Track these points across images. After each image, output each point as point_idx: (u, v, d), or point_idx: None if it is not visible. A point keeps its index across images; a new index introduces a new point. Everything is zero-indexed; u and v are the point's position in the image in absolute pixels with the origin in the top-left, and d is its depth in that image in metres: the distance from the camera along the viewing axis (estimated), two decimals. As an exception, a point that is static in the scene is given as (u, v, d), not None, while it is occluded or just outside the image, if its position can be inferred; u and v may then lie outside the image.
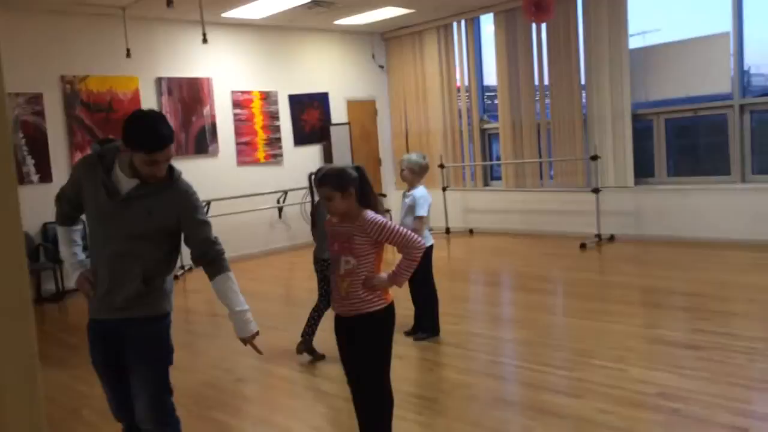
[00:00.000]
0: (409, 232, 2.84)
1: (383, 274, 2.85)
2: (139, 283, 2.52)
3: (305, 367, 4.51)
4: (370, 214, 2.81)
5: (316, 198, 4.49)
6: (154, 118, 2.49)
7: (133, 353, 2.58)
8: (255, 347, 2.71)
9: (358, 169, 2.85)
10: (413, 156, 4.75)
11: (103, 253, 2.56)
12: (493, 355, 4.54)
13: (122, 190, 2.51)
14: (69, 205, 2.66)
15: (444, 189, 9.69)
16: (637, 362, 4.05)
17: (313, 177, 4.47)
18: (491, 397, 3.79)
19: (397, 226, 2.83)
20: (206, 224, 2.66)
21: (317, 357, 4.56)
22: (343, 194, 2.78)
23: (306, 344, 4.61)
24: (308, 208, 9.37)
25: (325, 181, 2.81)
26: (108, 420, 3.84)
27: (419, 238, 2.85)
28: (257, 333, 2.73)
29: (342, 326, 2.93)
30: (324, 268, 4.46)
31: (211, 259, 2.66)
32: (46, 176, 7.36)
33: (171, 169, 2.58)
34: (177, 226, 2.60)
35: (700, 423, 3.20)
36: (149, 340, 2.59)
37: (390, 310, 2.88)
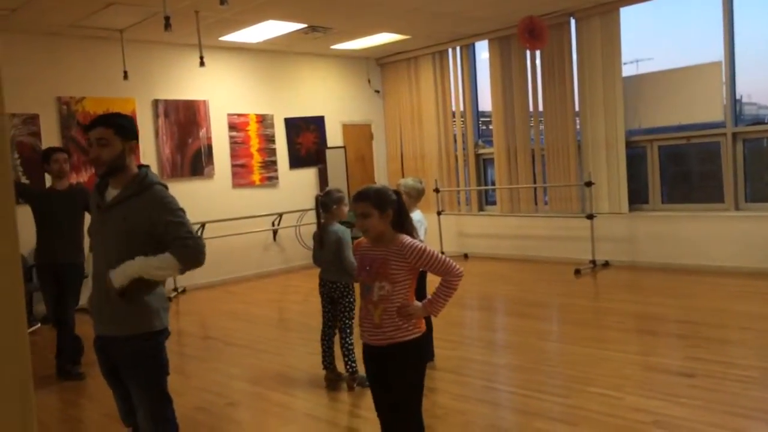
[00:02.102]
0: (449, 259, 2.76)
1: (418, 303, 2.76)
2: (115, 296, 2.54)
3: (298, 392, 4.47)
4: (407, 238, 2.73)
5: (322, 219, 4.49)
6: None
7: (124, 370, 2.64)
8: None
9: (396, 193, 2.81)
10: (410, 180, 4.74)
11: (94, 269, 2.68)
12: (488, 381, 4.51)
13: (107, 200, 2.65)
14: None
15: (439, 213, 9.70)
16: (632, 390, 4.03)
17: (319, 198, 4.49)
18: (486, 423, 3.76)
19: (437, 252, 2.74)
20: (177, 224, 2.58)
21: (343, 378, 4.50)
22: (382, 214, 2.71)
23: (334, 374, 4.53)
24: (303, 231, 9.43)
25: (365, 197, 2.73)
26: (97, 444, 3.80)
27: (458, 266, 2.76)
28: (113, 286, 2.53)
29: (373, 356, 2.80)
30: (331, 290, 4.44)
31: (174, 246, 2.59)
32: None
33: (145, 176, 2.65)
34: (150, 233, 2.57)
35: (695, 452, 3.18)
36: (138, 358, 2.60)
37: (424, 338, 2.79)
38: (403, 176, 9.77)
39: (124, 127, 2.64)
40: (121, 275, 2.51)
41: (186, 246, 2.56)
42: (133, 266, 2.51)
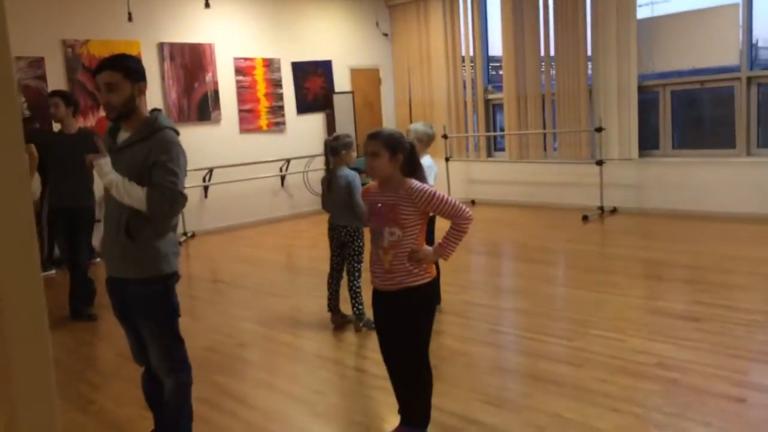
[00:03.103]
0: (458, 202, 2.75)
1: (428, 247, 2.78)
2: (123, 236, 2.55)
3: (306, 333, 4.55)
4: (416, 182, 2.74)
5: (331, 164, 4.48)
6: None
7: (135, 312, 2.68)
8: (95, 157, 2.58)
9: (411, 144, 2.81)
10: (420, 126, 4.70)
11: (105, 212, 2.68)
12: (493, 324, 4.57)
13: (118, 143, 2.65)
14: None
15: (447, 159, 9.66)
16: (636, 333, 4.07)
17: (328, 143, 4.47)
18: (490, 365, 3.82)
19: (446, 196, 2.74)
20: (167, 170, 2.51)
21: (349, 319, 4.58)
22: (392, 157, 2.70)
23: (339, 315, 4.61)
24: (311, 177, 9.43)
25: (378, 136, 2.72)
26: (110, 381, 3.90)
27: (468, 209, 2.76)
28: (94, 164, 2.59)
29: (382, 301, 2.83)
30: (341, 234, 4.46)
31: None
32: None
33: (155, 119, 2.62)
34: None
35: (698, 393, 3.23)
36: (149, 301, 2.63)
37: (434, 284, 2.82)
38: (411, 121, 9.70)
39: (131, 68, 2.61)
40: (102, 167, 2.54)
41: (161, 194, 2.49)
42: (112, 175, 2.52)
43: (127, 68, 2.59)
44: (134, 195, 2.50)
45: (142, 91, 2.63)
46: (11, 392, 1.10)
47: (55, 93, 5.10)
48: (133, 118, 2.61)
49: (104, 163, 2.57)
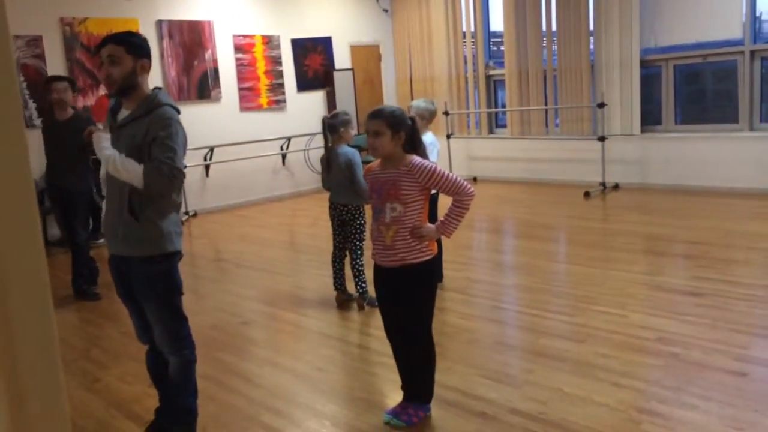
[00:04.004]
0: (460, 178, 2.76)
1: (430, 225, 2.78)
2: (126, 215, 2.55)
3: (309, 312, 4.57)
4: (417, 158, 2.75)
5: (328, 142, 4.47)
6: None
7: (138, 291, 2.69)
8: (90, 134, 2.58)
9: (411, 119, 2.81)
10: (422, 102, 4.68)
11: (107, 190, 2.68)
12: (495, 301, 4.59)
13: (118, 121, 2.65)
14: None
15: (448, 136, 9.62)
16: (638, 308, 4.09)
17: (326, 121, 4.46)
18: (492, 341, 3.84)
19: (447, 172, 2.74)
20: (165, 146, 2.50)
21: (352, 298, 4.60)
22: (394, 135, 2.71)
23: (345, 294, 4.62)
24: (312, 155, 9.40)
25: (381, 115, 2.72)
26: (116, 359, 3.93)
27: (470, 186, 2.77)
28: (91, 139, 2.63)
29: (384, 277, 2.84)
30: (342, 213, 4.46)
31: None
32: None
33: (155, 96, 2.61)
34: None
35: (699, 367, 3.25)
36: (152, 280, 2.64)
37: (435, 261, 2.83)
38: (412, 98, 9.65)
39: (134, 44, 2.59)
40: (101, 140, 2.55)
41: (159, 169, 2.48)
42: (108, 150, 2.53)
43: (130, 43, 2.57)
44: (131, 171, 2.49)
45: (145, 69, 2.61)
46: (17, 370, 1.11)
47: (63, 78, 5.10)
48: (134, 95, 2.60)
49: (103, 137, 2.58)
